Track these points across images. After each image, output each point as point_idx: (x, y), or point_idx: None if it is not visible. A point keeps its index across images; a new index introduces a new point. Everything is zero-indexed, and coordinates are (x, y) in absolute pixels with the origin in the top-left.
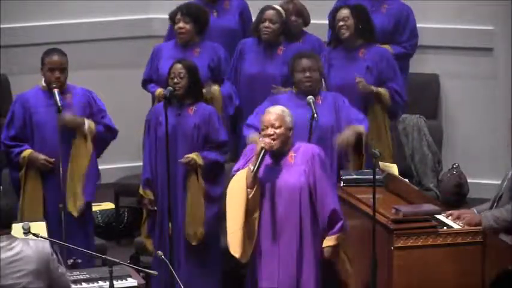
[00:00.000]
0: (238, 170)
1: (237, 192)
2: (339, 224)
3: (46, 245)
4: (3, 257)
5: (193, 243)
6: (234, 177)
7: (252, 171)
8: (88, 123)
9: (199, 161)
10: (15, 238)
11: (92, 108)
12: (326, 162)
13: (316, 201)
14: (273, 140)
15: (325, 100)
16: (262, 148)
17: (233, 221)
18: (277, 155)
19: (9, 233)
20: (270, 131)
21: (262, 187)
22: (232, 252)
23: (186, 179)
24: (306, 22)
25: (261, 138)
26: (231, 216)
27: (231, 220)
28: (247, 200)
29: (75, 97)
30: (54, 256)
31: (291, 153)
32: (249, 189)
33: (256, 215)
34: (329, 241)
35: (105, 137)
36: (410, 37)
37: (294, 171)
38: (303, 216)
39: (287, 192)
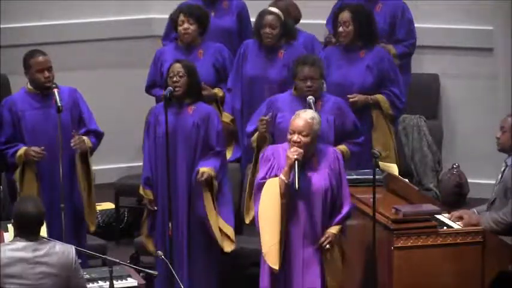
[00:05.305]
0: (264, 178)
1: (271, 205)
2: (342, 214)
3: (71, 252)
4: (28, 256)
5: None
6: (264, 190)
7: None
8: (87, 142)
9: (213, 173)
10: (43, 241)
11: (78, 110)
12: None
13: (337, 200)
14: (299, 147)
15: (325, 105)
16: (295, 160)
17: (270, 234)
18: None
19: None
20: (297, 138)
21: (290, 192)
22: (272, 265)
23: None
24: (296, 18)
25: (289, 150)
26: (268, 230)
27: (267, 234)
28: (283, 211)
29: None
30: (78, 264)
31: (315, 157)
32: (283, 201)
33: (284, 221)
34: (332, 229)
35: (97, 145)
36: (408, 36)
37: (320, 174)
38: (324, 218)
39: (313, 195)
